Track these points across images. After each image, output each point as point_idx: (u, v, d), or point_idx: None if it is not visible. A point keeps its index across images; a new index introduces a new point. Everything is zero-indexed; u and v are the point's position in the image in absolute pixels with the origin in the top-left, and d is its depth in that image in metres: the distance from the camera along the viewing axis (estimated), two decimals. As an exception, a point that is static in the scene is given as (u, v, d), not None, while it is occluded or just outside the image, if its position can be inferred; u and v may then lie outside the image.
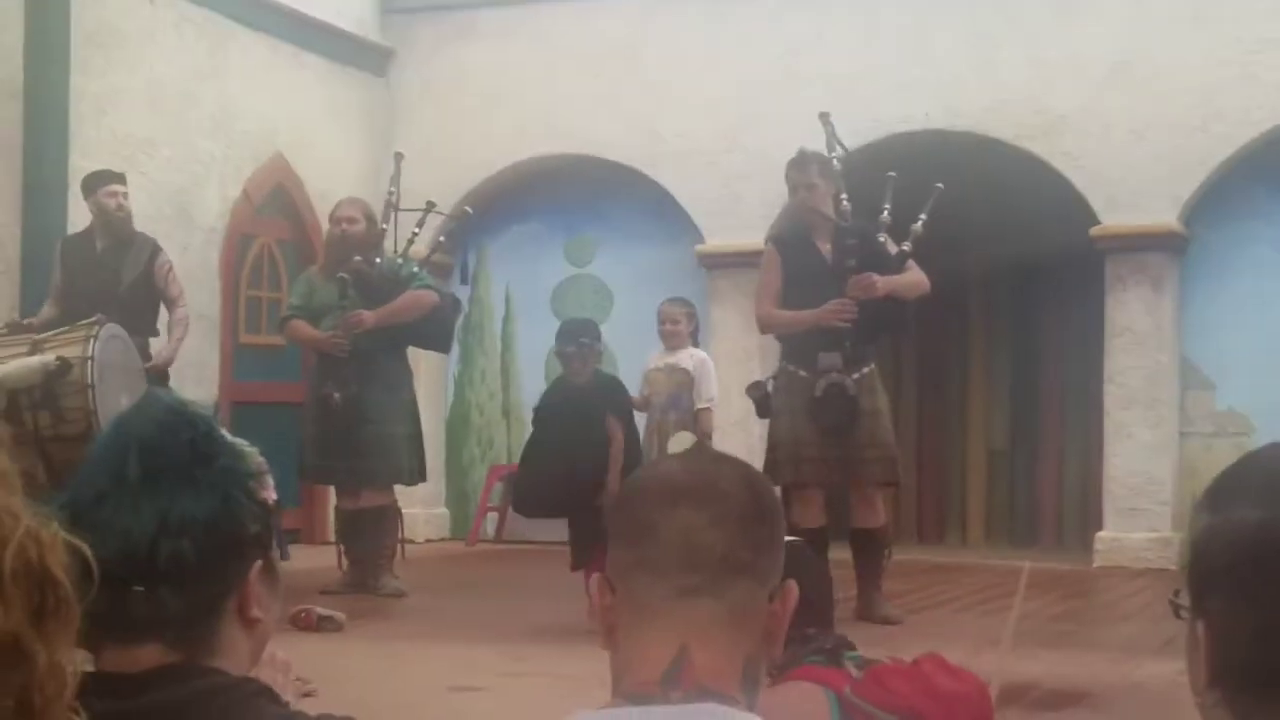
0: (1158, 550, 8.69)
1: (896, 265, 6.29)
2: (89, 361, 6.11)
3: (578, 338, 6.42)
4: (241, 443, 1.49)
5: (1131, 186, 8.86)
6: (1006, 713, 4.29)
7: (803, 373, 6.26)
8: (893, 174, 6.47)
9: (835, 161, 6.53)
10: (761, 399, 6.55)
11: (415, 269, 7.26)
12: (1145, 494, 8.80)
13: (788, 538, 2.60)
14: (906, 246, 6.32)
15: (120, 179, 7.28)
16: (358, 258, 7.00)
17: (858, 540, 6.33)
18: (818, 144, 9.40)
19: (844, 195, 6.40)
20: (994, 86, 9.03)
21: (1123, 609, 7.10)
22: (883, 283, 6.17)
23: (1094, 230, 8.99)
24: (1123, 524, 8.82)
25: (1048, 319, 10.31)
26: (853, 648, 2.63)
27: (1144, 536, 8.74)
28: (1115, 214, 8.91)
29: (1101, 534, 8.91)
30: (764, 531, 1.42)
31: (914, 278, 6.33)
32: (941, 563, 8.34)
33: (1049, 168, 9.03)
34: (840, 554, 6.36)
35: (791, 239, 6.59)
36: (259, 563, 1.42)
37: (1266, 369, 8.54)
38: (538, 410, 6.63)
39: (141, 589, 1.34)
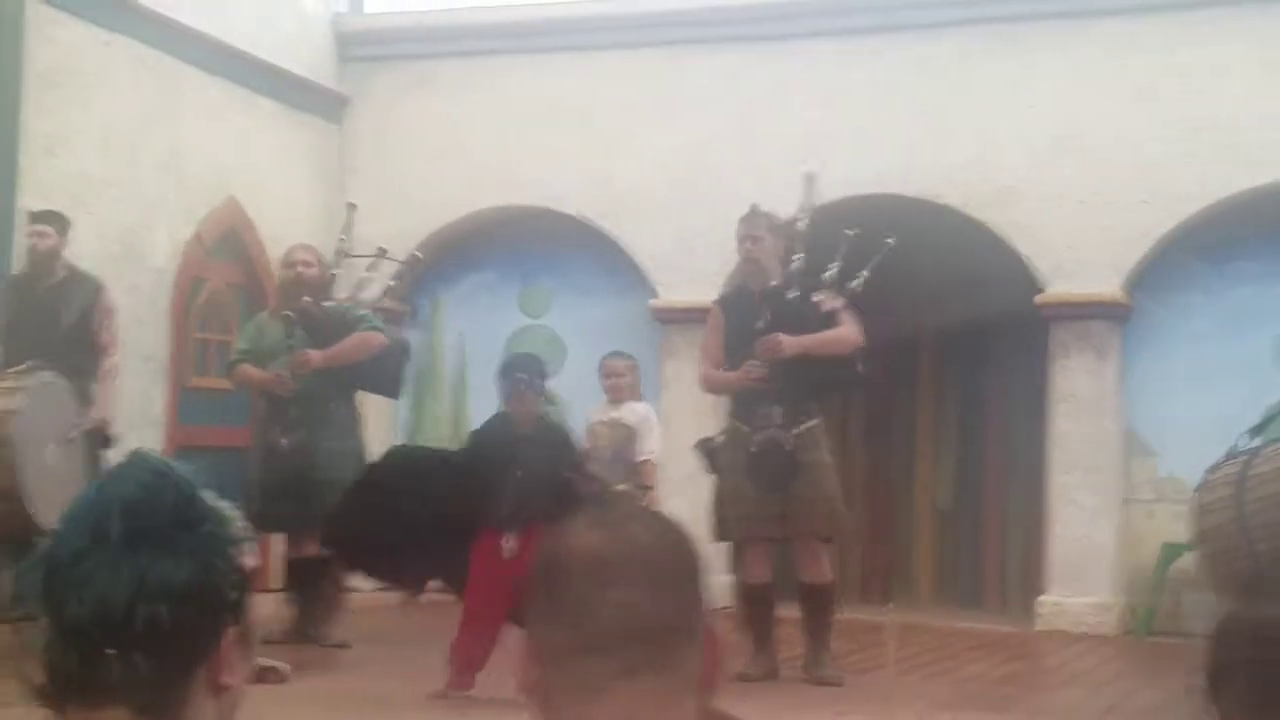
0: (1098, 615, 8.76)
1: (820, 324, 6.31)
2: (12, 415, 6.04)
3: (516, 372, 6.14)
4: (225, 506, 1.49)
5: (1076, 256, 8.99)
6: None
7: (745, 428, 6.33)
8: (851, 231, 6.54)
9: (800, 224, 6.58)
10: (710, 454, 6.60)
11: (364, 313, 7.25)
12: (1087, 559, 8.88)
13: None
14: (837, 304, 6.36)
15: (44, 218, 7.20)
16: (306, 298, 6.99)
17: (804, 595, 6.36)
18: (772, 200, 9.53)
19: (798, 255, 6.46)
20: (946, 154, 9.17)
21: (1064, 674, 7.16)
22: (789, 343, 6.22)
23: (1039, 298, 9.11)
24: (1065, 588, 8.89)
25: (994, 382, 10.42)
26: None
27: (1085, 601, 8.81)
28: (1060, 282, 9.05)
29: (1043, 598, 8.98)
30: (693, 589, 1.42)
31: (835, 334, 6.33)
32: (887, 622, 8.33)
33: (997, 236, 9.16)
34: (788, 611, 6.37)
35: (734, 298, 6.66)
36: (233, 629, 1.41)
37: (1207, 438, 8.60)
38: (473, 445, 6.21)
39: (114, 652, 1.33)
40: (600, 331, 9.70)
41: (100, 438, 7.28)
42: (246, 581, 1.45)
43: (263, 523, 7.35)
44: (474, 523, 5.73)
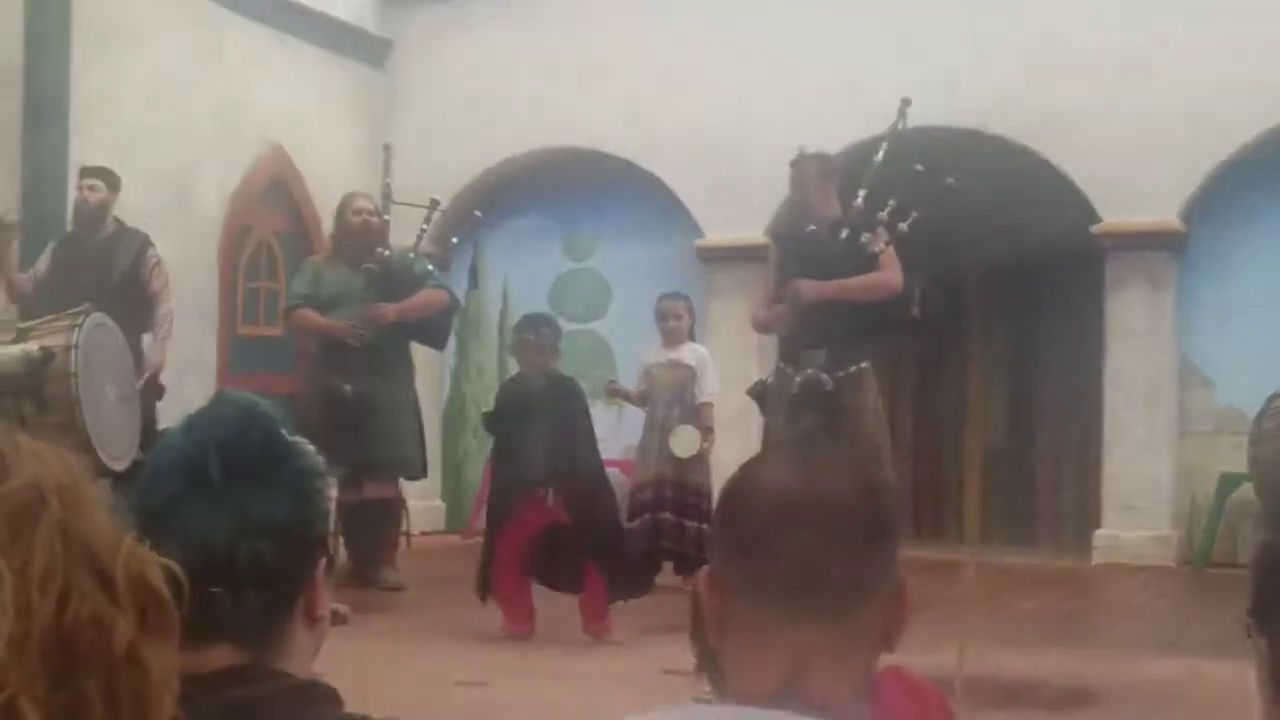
0: (1156, 548, 8.70)
1: (862, 266, 6.21)
2: (72, 350, 6.08)
3: (538, 327, 6.16)
4: (304, 441, 1.49)
5: (1132, 185, 8.86)
6: (1012, 712, 4.30)
7: (789, 370, 6.28)
8: (919, 167, 6.41)
9: (880, 154, 6.43)
10: (760, 396, 6.56)
11: (429, 267, 7.29)
12: (1144, 492, 8.81)
13: None
14: (878, 247, 6.25)
15: (94, 173, 7.24)
16: (383, 250, 7.03)
17: None
18: (817, 136, 9.42)
19: (861, 191, 6.35)
20: (996, 83, 9.02)
21: (1124, 607, 7.12)
22: (808, 289, 6.11)
23: (1095, 229, 8.99)
24: (1121, 522, 8.83)
25: (1048, 316, 10.31)
26: None
27: (1143, 534, 8.75)
28: (1115, 213, 8.92)
29: (1100, 532, 8.92)
30: (887, 540, 1.39)
31: (864, 281, 6.17)
32: (939, 560, 8.31)
33: (1050, 166, 9.03)
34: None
35: (786, 237, 6.56)
36: (323, 561, 1.43)
37: (1265, 367, 8.51)
38: (498, 418, 6.21)
39: (219, 590, 1.34)
40: (645, 273, 9.66)
41: (154, 386, 7.34)
42: (329, 514, 1.46)
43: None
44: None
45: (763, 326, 6.61)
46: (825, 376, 6.13)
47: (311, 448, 1.51)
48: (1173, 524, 8.86)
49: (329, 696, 1.40)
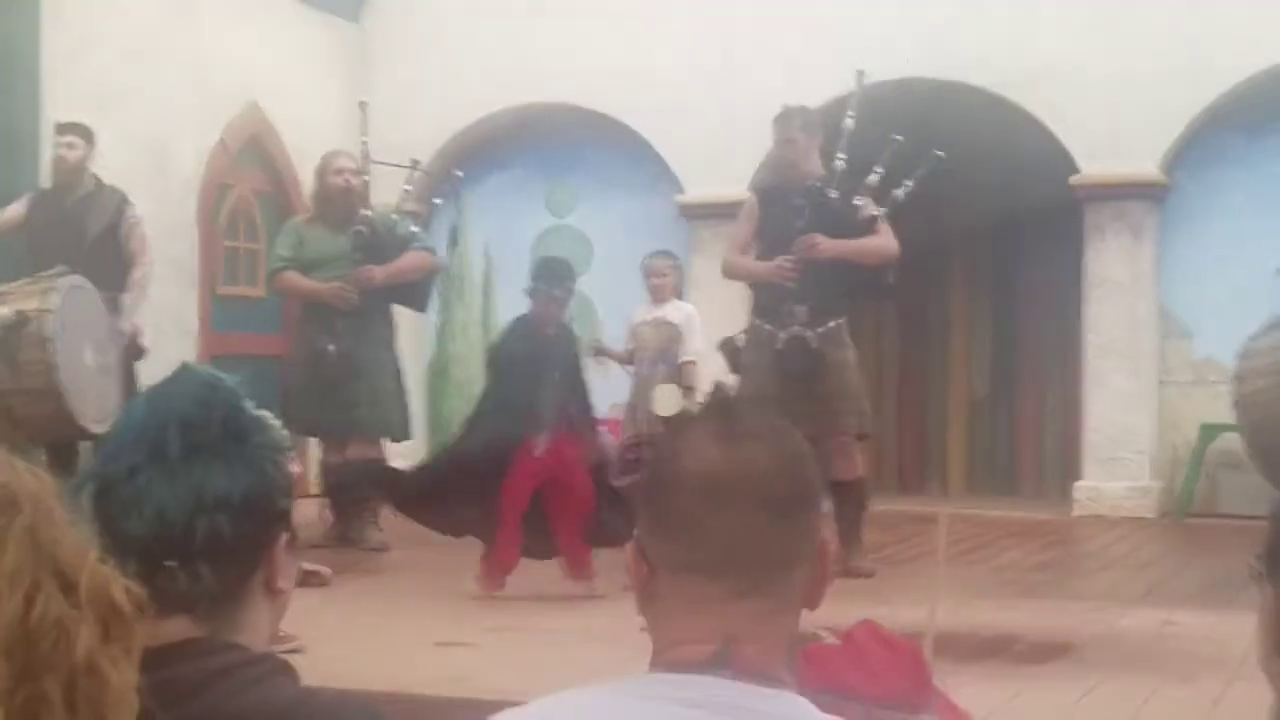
0: (1136, 499, 8.75)
1: (860, 229, 6.23)
2: (47, 314, 6.06)
3: (564, 281, 6.16)
4: (267, 415, 1.49)
5: (1112, 136, 8.85)
6: (989, 665, 4.34)
7: (768, 327, 6.29)
8: (898, 137, 6.43)
9: (846, 121, 6.45)
10: (732, 354, 6.57)
11: (414, 228, 7.27)
12: (1124, 443, 8.85)
13: None
14: (877, 211, 6.28)
15: (71, 129, 7.18)
16: (367, 212, 7.00)
17: (836, 492, 6.37)
18: (800, 90, 9.37)
19: (840, 155, 6.35)
20: (975, 35, 8.98)
21: (1102, 558, 7.16)
22: (828, 246, 6.15)
23: (1074, 179, 8.99)
24: (1101, 473, 8.87)
25: (1028, 268, 10.32)
26: None
27: (1122, 485, 8.80)
28: (1095, 163, 8.91)
29: (1080, 483, 8.97)
30: (810, 506, 1.39)
31: (873, 244, 6.25)
32: (922, 512, 8.36)
33: (1029, 117, 9.00)
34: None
35: (772, 190, 6.55)
36: (285, 535, 1.44)
37: (1244, 317, 8.52)
38: (500, 356, 6.20)
39: (176, 564, 1.35)
40: (628, 229, 9.64)
41: (133, 348, 7.32)
42: (292, 488, 1.47)
43: (304, 427, 7.43)
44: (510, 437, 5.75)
45: (742, 274, 6.56)
46: (811, 333, 6.15)
47: (275, 422, 1.52)
48: (1153, 475, 8.91)
49: (284, 669, 1.41)
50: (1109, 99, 8.81)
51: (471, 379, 10.46)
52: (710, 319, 9.47)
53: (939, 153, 6.47)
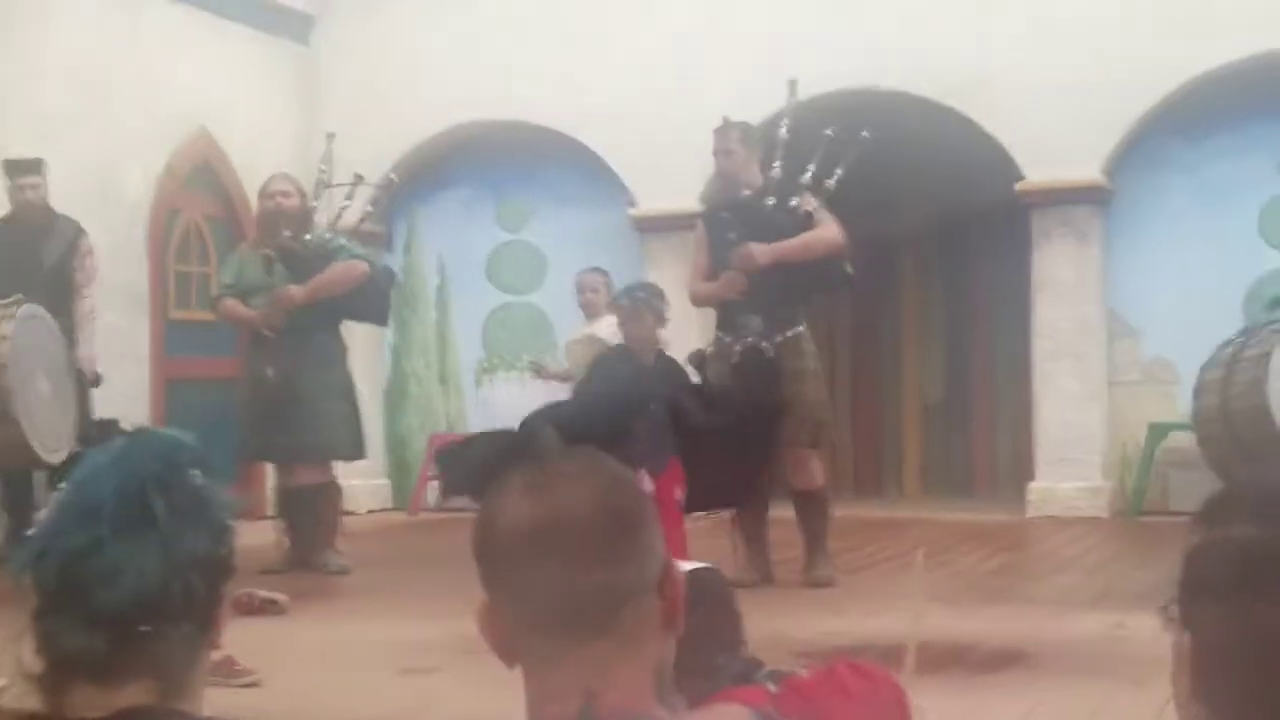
0: (1088, 499, 8.87)
1: (797, 227, 6.26)
2: (3, 341, 6.05)
3: (634, 291, 6.13)
4: (210, 475, 1.51)
5: (1054, 141, 8.96)
6: (946, 676, 4.39)
7: (728, 339, 6.32)
8: (828, 132, 6.48)
9: (781, 130, 6.49)
10: (699, 366, 6.61)
11: (343, 241, 7.20)
12: (1075, 444, 8.96)
13: (694, 565, 2.59)
14: (809, 206, 6.30)
15: (31, 168, 7.25)
16: (286, 233, 6.93)
17: (797, 502, 6.42)
18: (746, 101, 9.41)
19: (776, 163, 6.40)
20: (918, 45, 9.08)
21: (1056, 560, 7.25)
22: (761, 252, 6.17)
23: (1019, 185, 9.10)
24: (1054, 474, 8.98)
25: (978, 272, 10.44)
26: (762, 666, 2.68)
27: (1075, 486, 8.91)
28: (1039, 168, 9.02)
29: (1033, 484, 9.08)
30: (635, 538, 1.36)
31: (812, 237, 6.24)
32: (879, 518, 8.45)
33: (973, 125, 9.11)
34: (779, 513, 6.44)
35: (714, 210, 6.58)
36: (229, 584, 1.45)
37: (1190, 316, 8.69)
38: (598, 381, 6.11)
39: (148, 628, 1.35)
40: (581, 243, 9.69)
41: (89, 376, 7.31)
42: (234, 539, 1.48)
43: (253, 453, 7.42)
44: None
45: (704, 300, 6.60)
46: (766, 344, 6.19)
47: (219, 478, 1.54)
48: (1104, 474, 9.02)
49: None
50: (1051, 105, 8.92)
51: (429, 394, 10.48)
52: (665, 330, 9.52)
53: (864, 134, 6.51)
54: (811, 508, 6.37)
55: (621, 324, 6.23)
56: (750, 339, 6.20)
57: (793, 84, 6.78)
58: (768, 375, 6.18)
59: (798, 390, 6.28)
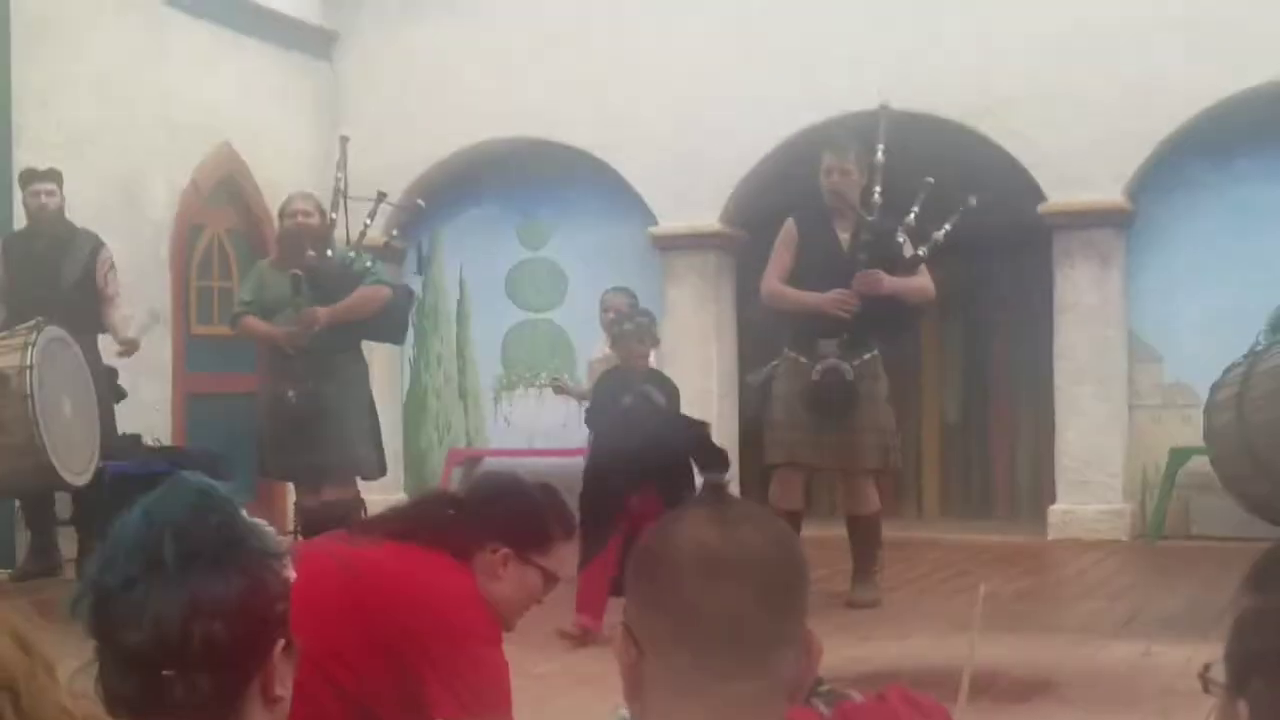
0: (1110, 522, 8.84)
1: (908, 268, 6.32)
2: (27, 370, 6.04)
3: (635, 316, 6.15)
4: (262, 523, 1.52)
5: (1078, 163, 8.95)
6: (974, 705, 4.37)
7: (803, 359, 6.32)
8: (930, 180, 6.49)
9: (880, 154, 6.49)
10: (763, 384, 6.59)
11: (369, 263, 7.20)
12: (1096, 466, 8.94)
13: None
14: (922, 252, 6.36)
15: (47, 176, 7.27)
16: (311, 252, 6.94)
17: (852, 526, 6.45)
18: (767, 122, 9.44)
19: (878, 189, 6.41)
20: (941, 66, 9.08)
21: (1079, 585, 7.22)
22: (889, 283, 6.23)
23: (1042, 208, 9.09)
24: (1075, 496, 8.96)
25: (999, 294, 10.42)
26: (822, 682, 2.68)
27: (1096, 509, 8.88)
28: (1062, 191, 9.01)
29: (1054, 507, 9.05)
30: (802, 591, 1.41)
31: (921, 283, 6.37)
32: (899, 538, 8.39)
33: (996, 147, 9.10)
34: (816, 532, 6.43)
35: (813, 220, 6.51)
36: (282, 641, 1.45)
37: (1213, 342, 8.65)
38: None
39: (174, 673, 1.36)
40: (601, 261, 9.70)
41: (112, 390, 7.32)
42: (289, 593, 1.48)
43: (276, 473, 7.42)
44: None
45: (788, 302, 6.40)
46: (847, 365, 6.20)
47: (269, 528, 1.54)
48: (1125, 498, 8.99)
49: None
50: (1074, 127, 8.92)
51: (448, 408, 10.49)
52: (684, 349, 9.56)
53: (972, 200, 6.56)
54: (866, 532, 6.40)
55: (615, 346, 6.22)
56: (832, 360, 6.21)
57: (885, 106, 6.75)
58: (845, 397, 6.19)
59: (871, 415, 6.31)
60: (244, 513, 1.50)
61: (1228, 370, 6.47)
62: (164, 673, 1.36)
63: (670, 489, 5.38)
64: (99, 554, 1.46)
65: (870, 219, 6.33)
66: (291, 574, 1.51)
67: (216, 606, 1.38)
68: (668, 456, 5.56)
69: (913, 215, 6.42)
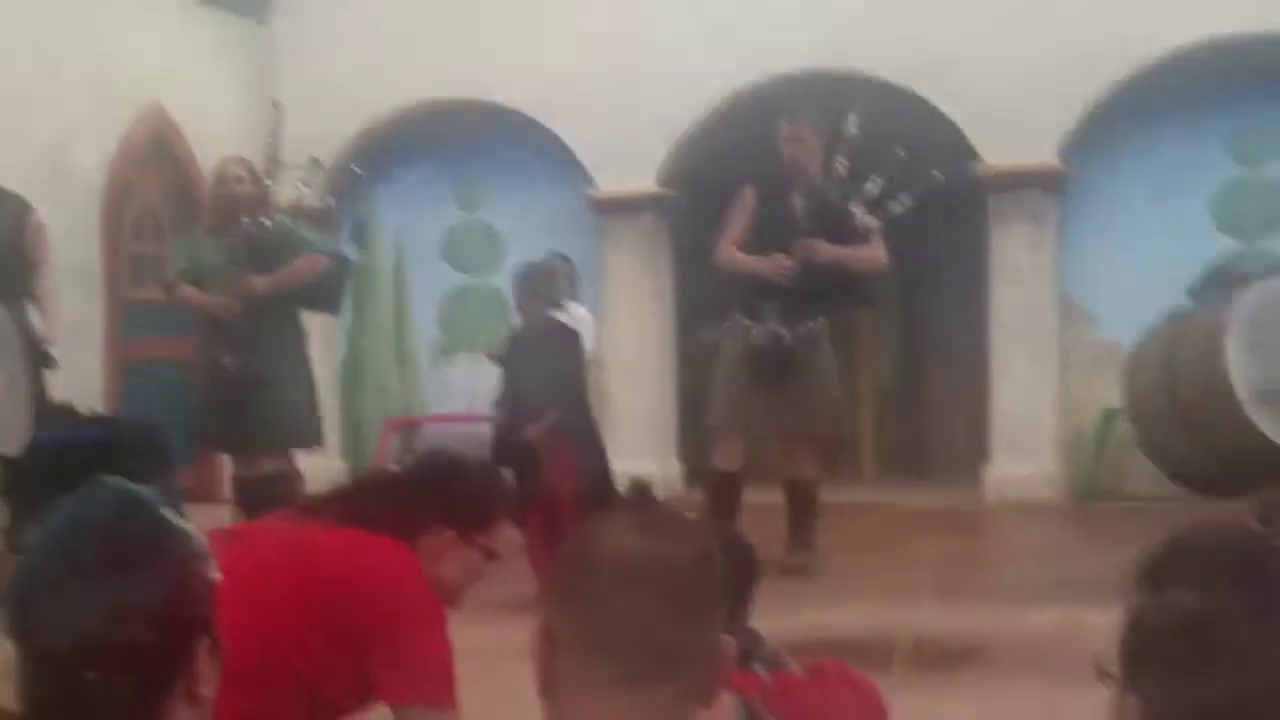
0: (1043, 483, 8.94)
1: (855, 237, 6.32)
2: (-48, 337, 5.95)
3: (523, 281, 6.35)
4: (186, 524, 1.52)
5: (1011, 124, 9.00)
6: (903, 674, 4.44)
7: (747, 322, 6.33)
8: (901, 152, 6.48)
9: (852, 125, 6.44)
10: (713, 344, 6.63)
11: (305, 233, 7.13)
12: (1029, 428, 9.03)
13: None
14: (875, 223, 6.36)
15: None
16: (246, 220, 6.86)
17: (790, 491, 6.48)
18: (700, 81, 9.37)
19: (841, 158, 6.40)
20: (875, 26, 9.08)
21: (1010, 548, 7.33)
22: (827, 251, 6.22)
23: (977, 169, 9.13)
24: (1009, 458, 9.05)
25: (932, 256, 10.46)
26: (762, 643, 2.72)
27: (1029, 470, 8.98)
28: (996, 152, 9.07)
29: (989, 468, 9.15)
30: (716, 606, 1.43)
31: (866, 254, 6.36)
32: (836, 502, 8.47)
33: (930, 107, 9.12)
34: (757, 497, 6.48)
35: (770, 186, 6.51)
36: (207, 641, 1.46)
37: (1144, 302, 8.75)
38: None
39: (93, 676, 1.37)
40: (539, 225, 9.66)
41: (42, 358, 7.22)
42: (212, 595, 1.48)
43: (212, 443, 7.37)
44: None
45: (736, 267, 6.44)
46: (787, 331, 6.21)
47: (192, 529, 1.54)
48: (1058, 459, 9.11)
49: None
50: (1008, 88, 8.95)
51: (385, 376, 10.44)
52: (623, 312, 9.57)
53: (937, 174, 6.57)
54: (804, 499, 6.44)
55: (518, 305, 6.31)
56: (772, 325, 6.22)
57: (865, 80, 6.75)
58: (784, 363, 6.21)
59: (814, 383, 6.33)
60: (167, 514, 1.50)
61: (1149, 334, 6.55)
62: (85, 675, 1.36)
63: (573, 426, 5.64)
64: (20, 560, 1.46)
65: (818, 186, 6.34)
66: (216, 576, 1.51)
67: (138, 610, 1.38)
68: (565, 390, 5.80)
69: (874, 185, 6.42)
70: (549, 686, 1.41)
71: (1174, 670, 1.29)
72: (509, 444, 5.83)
